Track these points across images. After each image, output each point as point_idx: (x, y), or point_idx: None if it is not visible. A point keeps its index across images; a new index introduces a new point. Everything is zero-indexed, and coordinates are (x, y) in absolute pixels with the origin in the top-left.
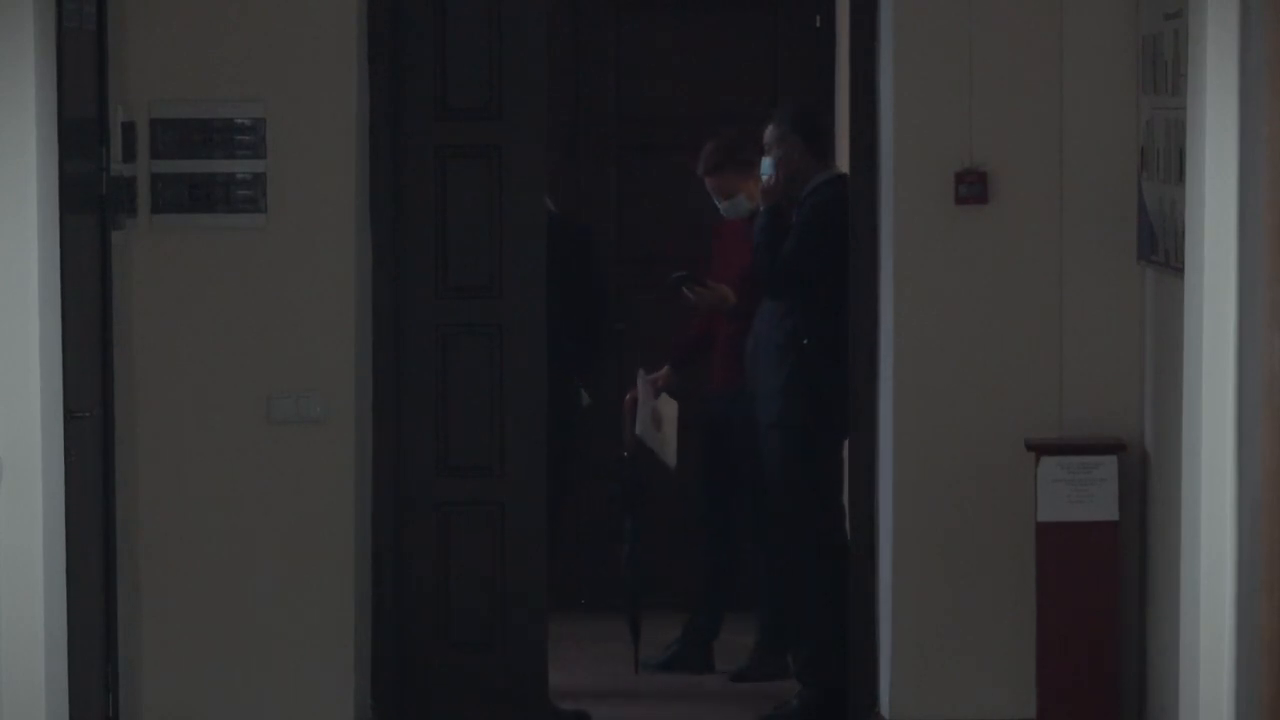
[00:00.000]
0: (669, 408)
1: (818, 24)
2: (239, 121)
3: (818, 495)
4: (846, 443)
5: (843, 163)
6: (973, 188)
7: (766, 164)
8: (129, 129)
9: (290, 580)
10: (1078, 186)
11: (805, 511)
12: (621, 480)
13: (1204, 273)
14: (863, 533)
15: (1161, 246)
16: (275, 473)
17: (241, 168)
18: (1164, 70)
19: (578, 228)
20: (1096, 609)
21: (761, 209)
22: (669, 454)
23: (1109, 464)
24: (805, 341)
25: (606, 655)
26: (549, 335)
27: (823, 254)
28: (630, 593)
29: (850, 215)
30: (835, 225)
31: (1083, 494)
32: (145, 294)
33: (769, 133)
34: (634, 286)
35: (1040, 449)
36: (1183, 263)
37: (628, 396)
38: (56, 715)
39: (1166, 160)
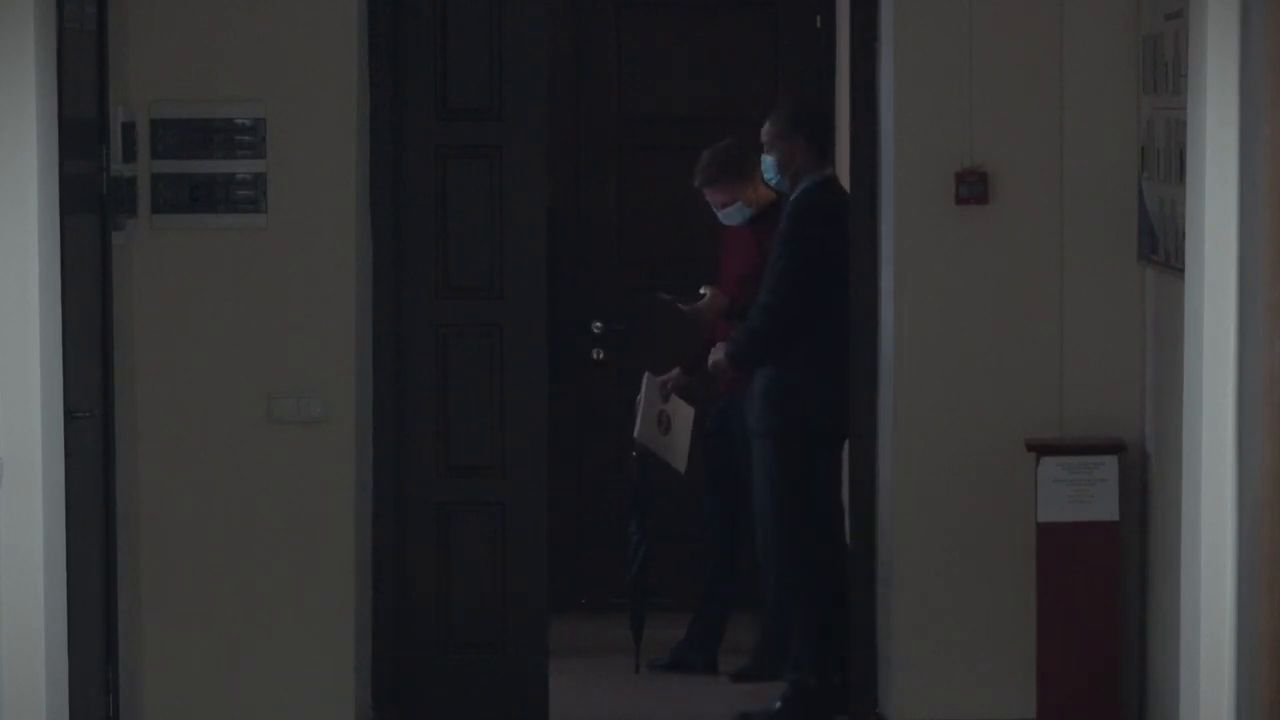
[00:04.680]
0: (683, 411)
1: (818, 24)
2: (239, 121)
3: (808, 501)
4: (845, 444)
5: (843, 162)
6: (973, 188)
7: (768, 162)
8: (129, 129)
9: (290, 580)
10: (1078, 186)
11: (791, 516)
12: (630, 481)
13: (1204, 273)
14: (863, 533)
15: (1161, 246)
16: (275, 473)
17: (241, 168)
18: (1164, 70)
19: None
20: (1096, 609)
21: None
22: (679, 459)
23: (1109, 464)
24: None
25: (607, 655)
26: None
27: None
28: (634, 593)
29: (850, 215)
30: (814, 237)
31: (1083, 494)
32: (145, 294)
33: (766, 130)
34: (635, 287)
35: (1040, 449)
36: (1183, 263)
37: (638, 398)
38: (56, 715)
39: (1166, 160)
